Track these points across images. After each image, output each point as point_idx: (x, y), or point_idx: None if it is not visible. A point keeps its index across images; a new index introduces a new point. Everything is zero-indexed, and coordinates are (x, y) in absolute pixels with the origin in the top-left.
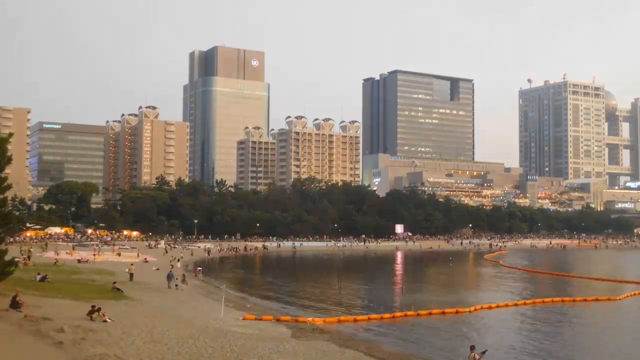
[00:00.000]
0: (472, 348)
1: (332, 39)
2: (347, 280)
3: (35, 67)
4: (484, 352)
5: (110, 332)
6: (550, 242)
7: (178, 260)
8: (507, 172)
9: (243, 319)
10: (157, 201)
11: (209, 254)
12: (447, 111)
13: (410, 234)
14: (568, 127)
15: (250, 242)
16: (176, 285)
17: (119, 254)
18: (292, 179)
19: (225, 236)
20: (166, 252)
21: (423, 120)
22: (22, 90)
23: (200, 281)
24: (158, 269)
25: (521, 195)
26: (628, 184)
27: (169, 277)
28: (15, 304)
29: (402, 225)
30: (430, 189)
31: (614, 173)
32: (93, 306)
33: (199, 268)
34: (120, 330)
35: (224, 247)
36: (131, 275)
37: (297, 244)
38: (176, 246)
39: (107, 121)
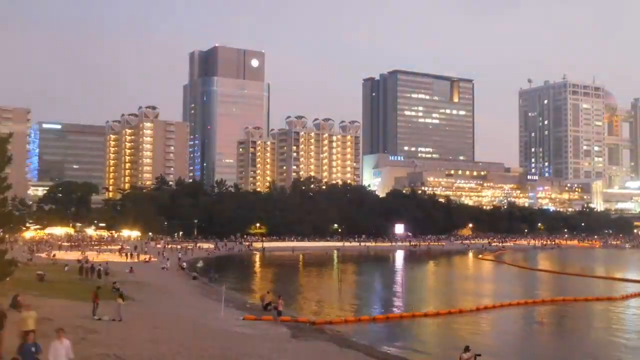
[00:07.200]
0: (467, 349)
1: (332, 39)
2: (349, 280)
3: (35, 67)
4: (477, 355)
5: (110, 332)
6: (560, 242)
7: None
8: (507, 172)
9: (243, 319)
10: (157, 201)
11: (209, 254)
12: (447, 111)
13: (410, 234)
14: (568, 127)
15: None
16: None
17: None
18: (292, 179)
19: (230, 236)
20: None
21: (423, 120)
22: (22, 90)
23: (200, 281)
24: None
25: (521, 195)
26: (628, 184)
27: None
28: (15, 304)
29: (402, 225)
30: (430, 189)
31: (614, 173)
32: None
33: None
34: (120, 330)
35: (223, 247)
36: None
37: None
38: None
39: (107, 121)
